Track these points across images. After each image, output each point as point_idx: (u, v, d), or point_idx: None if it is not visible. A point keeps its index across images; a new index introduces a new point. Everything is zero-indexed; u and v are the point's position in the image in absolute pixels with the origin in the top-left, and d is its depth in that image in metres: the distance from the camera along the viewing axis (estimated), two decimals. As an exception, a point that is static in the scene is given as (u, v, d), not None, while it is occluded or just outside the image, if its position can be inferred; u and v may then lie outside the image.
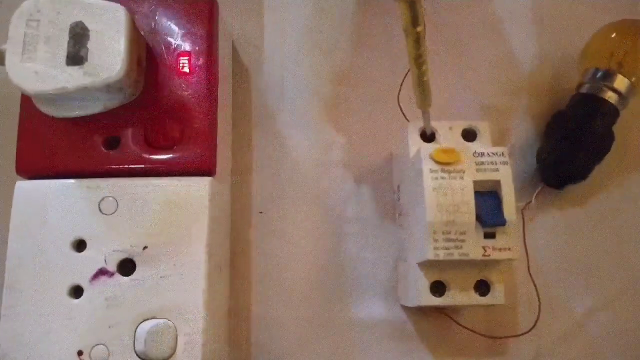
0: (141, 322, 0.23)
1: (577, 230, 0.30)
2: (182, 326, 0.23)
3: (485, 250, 0.23)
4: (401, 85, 0.31)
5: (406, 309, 0.29)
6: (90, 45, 0.23)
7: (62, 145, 0.25)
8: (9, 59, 0.23)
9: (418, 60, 0.22)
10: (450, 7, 0.33)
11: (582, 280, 0.29)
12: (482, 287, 0.25)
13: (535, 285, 0.28)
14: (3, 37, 0.23)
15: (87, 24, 0.23)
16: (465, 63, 0.32)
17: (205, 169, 0.25)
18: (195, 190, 0.24)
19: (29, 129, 0.25)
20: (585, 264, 0.30)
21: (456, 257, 0.23)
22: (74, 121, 0.24)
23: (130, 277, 0.24)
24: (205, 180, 0.24)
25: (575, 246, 0.30)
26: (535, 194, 0.30)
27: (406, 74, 0.31)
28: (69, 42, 0.23)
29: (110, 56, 0.23)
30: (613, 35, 0.29)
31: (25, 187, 0.25)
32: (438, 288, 0.25)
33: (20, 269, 0.24)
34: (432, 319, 0.29)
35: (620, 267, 0.30)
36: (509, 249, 0.23)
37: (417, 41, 0.21)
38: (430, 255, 0.23)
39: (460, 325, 0.28)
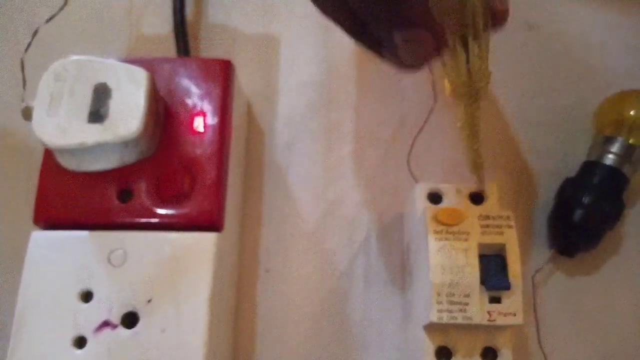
0: (141, 377, 0.23)
1: (589, 298, 0.29)
2: (181, 382, 0.23)
3: (490, 315, 0.23)
4: (411, 146, 0.31)
5: (413, 374, 0.28)
6: (111, 103, 0.24)
7: (78, 197, 0.26)
8: (36, 114, 0.24)
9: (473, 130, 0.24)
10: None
11: (594, 350, 0.28)
12: (490, 355, 0.24)
13: (545, 356, 0.27)
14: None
15: (110, 84, 0.25)
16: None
17: (213, 225, 0.25)
18: (201, 245, 0.25)
19: (49, 181, 0.26)
20: (598, 333, 0.29)
21: (460, 320, 0.23)
22: (91, 174, 0.25)
23: (132, 329, 0.24)
24: (212, 236, 0.25)
25: (587, 314, 0.29)
26: (546, 261, 0.29)
27: (417, 135, 0.32)
28: (91, 100, 0.24)
29: (129, 115, 0.24)
30: (623, 104, 0.30)
31: (40, 237, 0.25)
32: (444, 353, 0.25)
33: (28, 317, 0.24)
34: (439, 387, 0.28)
35: (634, 337, 0.28)
36: (514, 314, 0.23)
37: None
38: (433, 318, 0.23)
39: (468, 394, 0.27)
